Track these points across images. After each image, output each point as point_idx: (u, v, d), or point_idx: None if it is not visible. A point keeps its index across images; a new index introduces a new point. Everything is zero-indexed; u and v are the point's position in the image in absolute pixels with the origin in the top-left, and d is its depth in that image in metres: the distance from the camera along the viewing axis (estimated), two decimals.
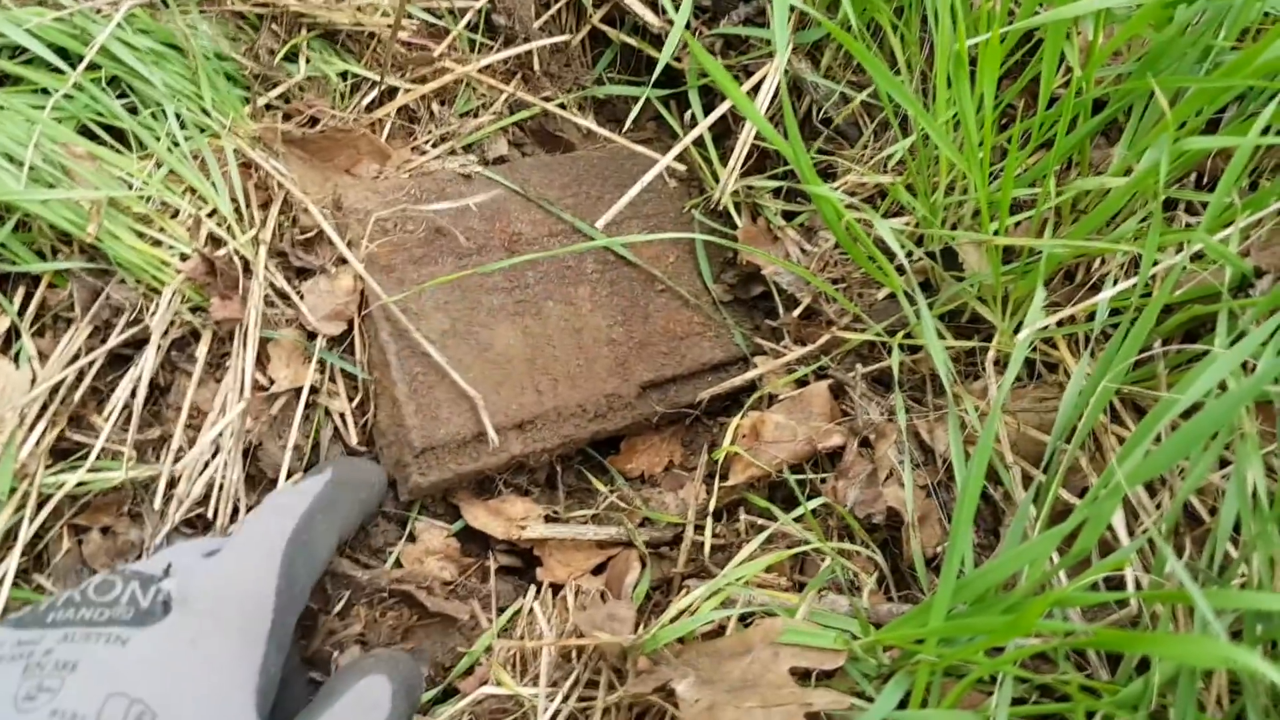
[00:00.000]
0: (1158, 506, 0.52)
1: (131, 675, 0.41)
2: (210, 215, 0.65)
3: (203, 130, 0.67)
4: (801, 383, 0.69)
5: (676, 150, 0.70)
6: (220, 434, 0.61)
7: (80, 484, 0.59)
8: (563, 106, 0.77)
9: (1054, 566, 0.48)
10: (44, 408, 0.61)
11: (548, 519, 0.68)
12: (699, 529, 0.65)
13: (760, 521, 0.63)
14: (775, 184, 0.71)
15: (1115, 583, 0.52)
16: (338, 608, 0.59)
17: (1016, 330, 0.59)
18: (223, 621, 0.45)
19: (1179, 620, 0.48)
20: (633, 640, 0.53)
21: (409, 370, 0.63)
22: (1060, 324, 0.55)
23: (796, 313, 0.69)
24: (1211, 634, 0.42)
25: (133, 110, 0.67)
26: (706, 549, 0.63)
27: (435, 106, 0.74)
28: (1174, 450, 0.43)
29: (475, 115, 0.75)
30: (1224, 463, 0.51)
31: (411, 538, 0.65)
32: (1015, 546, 0.51)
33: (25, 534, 0.58)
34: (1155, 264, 0.52)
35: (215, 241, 0.65)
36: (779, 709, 0.53)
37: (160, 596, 0.45)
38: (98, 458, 0.60)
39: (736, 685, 0.54)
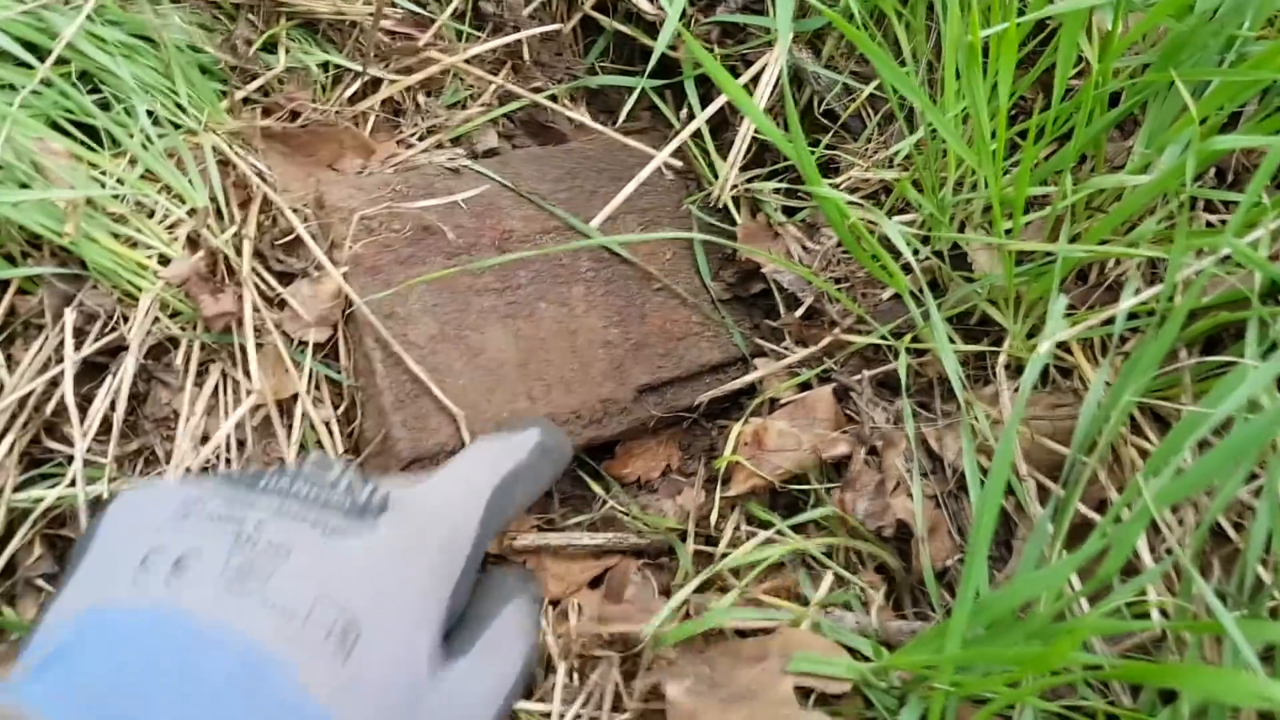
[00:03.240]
0: (1180, 522, 0.49)
1: (342, 578, 0.38)
2: (190, 214, 0.62)
3: (177, 126, 0.64)
4: (803, 386, 0.67)
5: (673, 146, 0.67)
6: (216, 445, 0.59)
7: (60, 499, 0.57)
8: (554, 98, 0.74)
9: (1075, 593, 0.46)
10: (13, 418, 0.58)
11: (540, 528, 0.66)
12: (699, 538, 0.62)
13: (763, 532, 0.61)
14: (777, 184, 0.68)
15: (1136, 603, 0.50)
16: None
17: (1029, 334, 0.57)
18: (431, 542, 0.42)
19: (1206, 643, 0.46)
20: (655, 628, 0.51)
21: (395, 378, 0.61)
22: (1075, 325, 0.53)
23: (798, 313, 0.66)
24: (1244, 665, 0.40)
25: (104, 106, 0.64)
26: (717, 556, 0.61)
27: (421, 98, 0.71)
28: (1205, 472, 0.41)
29: (463, 107, 0.72)
30: (1251, 474, 0.49)
31: None
32: (1032, 567, 0.49)
33: None
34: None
35: (193, 243, 0.62)
36: None
37: (378, 496, 0.41)
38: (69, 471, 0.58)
39: (738, 694, 0.53)
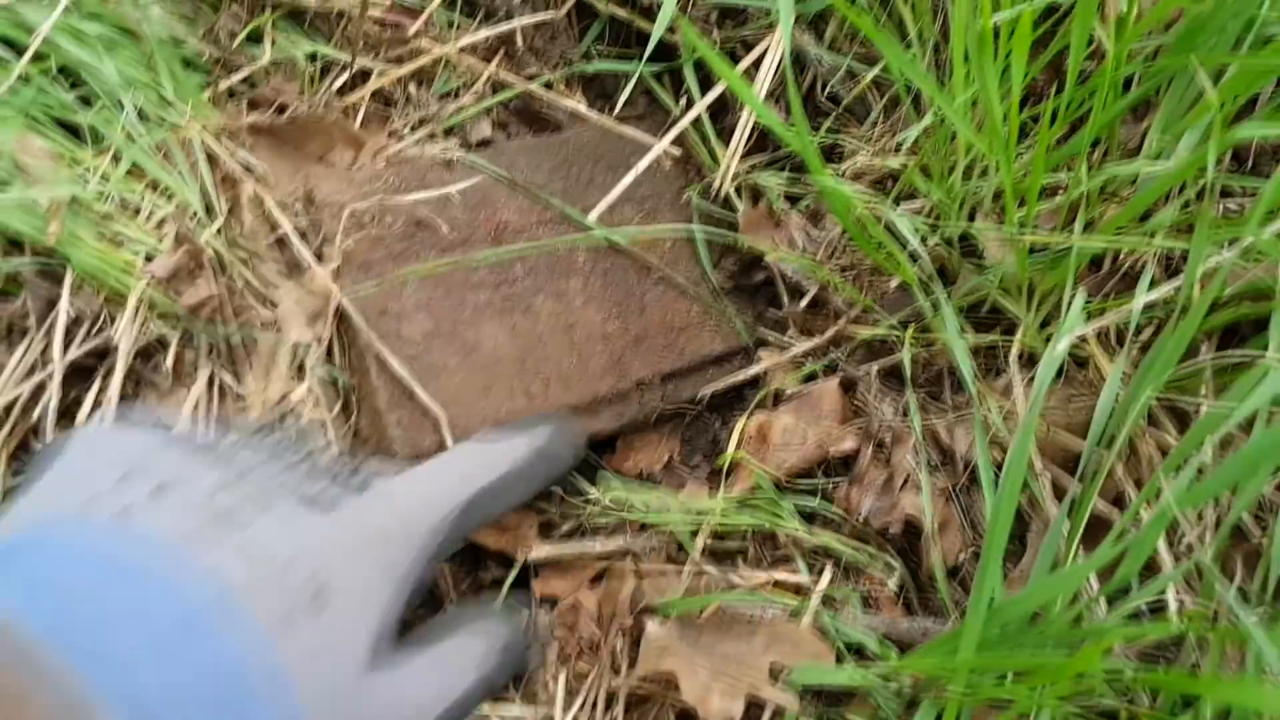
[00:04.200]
0: (1199, 517, 0.48)
1: (319, 545, 0.38)
2: (178, 212, 0.60)
3: (161, 122, 0.62)
4: (808, 377, 0.65)
5: (673, 133, 0.66)
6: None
7: None
8: (549, 85, 0.72)
9: (1093, 595, 0.44)
10: None
11: (543, 527, 0.65)
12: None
13: (769, 528, 0.59)
14: (780, 173, 0.66)
15: (1154, 601, 0.48)
16: None
17: (1043, 324, 0.55)
18: (394, 535, 0.41)
19: (1228, 644, 0.44)
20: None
21: (389, 377, 0.59)
22: (1090, 318, 0.51)
23: (802, 304, 0.64)
24: (1267, 669, 0.39)
25: (85, 102, 0.62)
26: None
27: (412, 88, 0.69)
28: (1228, 475, 0.39)
29: (455, 96, 0.70)
30: (1277, 467, 0.48)
31: None
32: (1048, 564, 0.48)
33: None
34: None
35: (181, 241, 0.60)
36: (726, 678, 0.51)
37: (362, 475, 0.41)
38: None
39: (714, 654, 0.53)
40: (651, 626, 0.54)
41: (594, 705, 0.56)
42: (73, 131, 0.61)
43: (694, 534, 0.60)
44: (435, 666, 0.44)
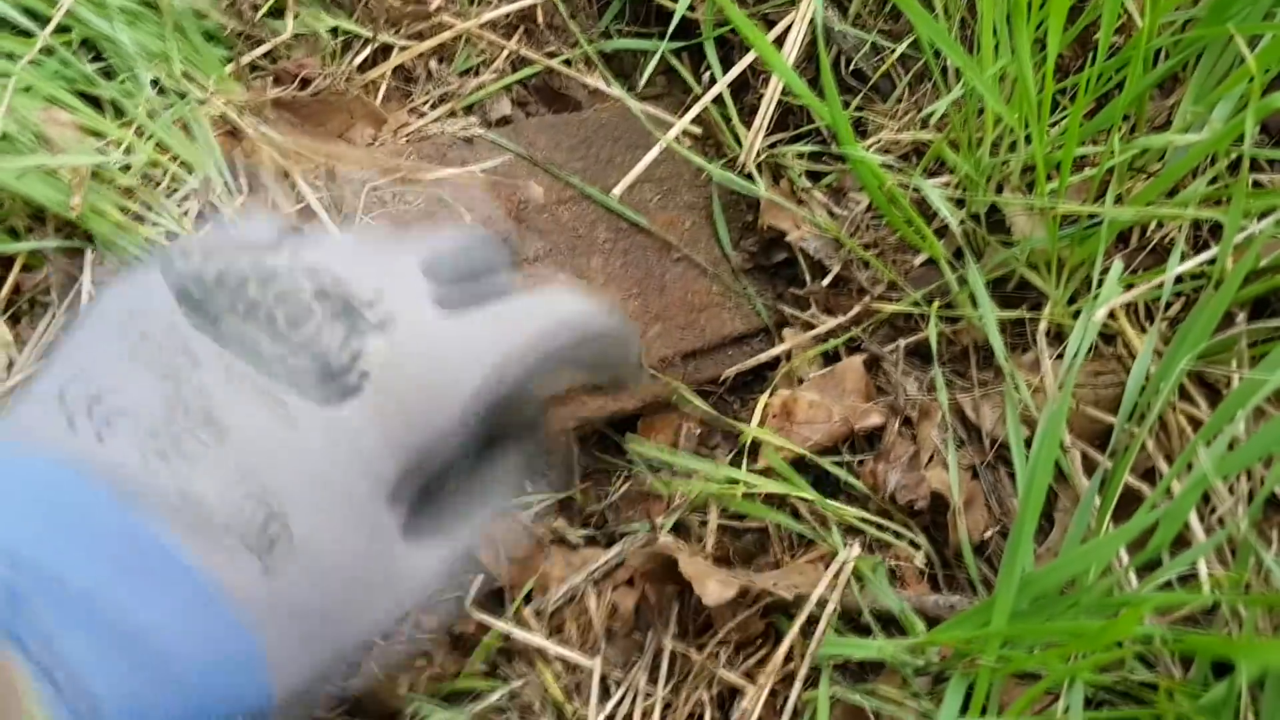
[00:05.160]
0: (1230, 490, 0.48)
1: (281, 472, 0.34)
2: (199, 187, 0.60)
3: (183, 96, 0.62)
4: (828, 356, 0.65)
5: (695, 111, 0.65)
6: None
7: None
8: (568, 63, 0.72)
9: (1125, 565, 0.44)
10: None
11: (563, 504, 0.65)
12: (724, 513, 0.61)
13: (793, 503, 0.59)
14: (805, 148, 0.66)
15: (1184, 575, 0.48)
16: None
17: (1070, 300, 0.55)
18: (407, 414, 0.36)
19: (1260, 616, 0.44)
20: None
21: None
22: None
23: (825, 281, 0.64)
24: None
25: (108, 75, 0.61)
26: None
27: (433, 64, 0.68)
28: (1262, 445, 0.39)
29: (476, 73, 0.70)
30: None
31: None
32: (1078, 539, 0.48)
33: None
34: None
35: (203, 216, 0.60)
36: None
37: (356, 371, 0.35)
38: None
39: None
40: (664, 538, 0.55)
41: None
42: (95, 104, 0.61)
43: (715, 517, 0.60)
44: (445, 561, 0.40)
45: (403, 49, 0.67)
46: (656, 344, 0.66)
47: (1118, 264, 0.48)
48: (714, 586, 0.49)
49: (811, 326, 0.64)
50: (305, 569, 0.34)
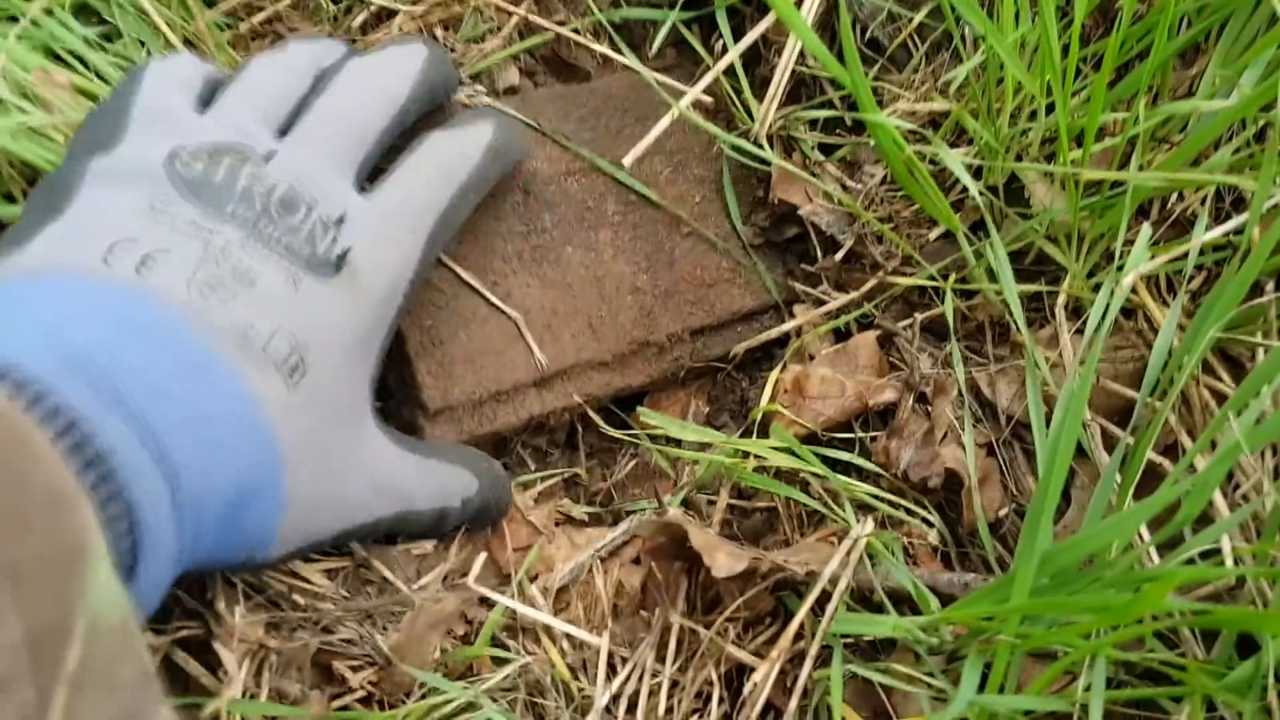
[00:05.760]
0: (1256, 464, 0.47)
1: (299, 319, 0.41)
2: None
3: None
4: (840, 333, 0.64)
5: (707, 80, 0.64)
6: None
7: None
8: (577, 31, 0.70)
9: (1147, 541, 0.43)
10: None
11: (568, 482, 0.64)
12: (732, 492, 0.60)
13: (804, 478, 0.58)
14: (819, 114, 0.65)
15: (1207, 552, 0.47)
16: None
17: (1090, 273, 0.54)
18: (374, 296, 0.45)
19: None
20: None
21: (419, 324, 0.58)
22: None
23: (838, 256, 0.63)
24: None
25: (107, 39, 0.60)
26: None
27: (439, 32, 0.67)
28: None
29: (481, 41, 0.68)
30: None
31: None
32: (1098, 516, 0.47)
33: None
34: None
35: None
36: None
37: (337, 249, 0.44)
38: None
39: None
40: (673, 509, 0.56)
41: None
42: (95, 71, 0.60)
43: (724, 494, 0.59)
44: (421, 476, 0.49)
45: (407, 14, 0.66)
46: (665, 319, 0.65)
47: (1146, 229, 0.46)
48: (724, 558, 0.48)
49: (823, 303, 0.63)
50: (314, 398, 0.41)
